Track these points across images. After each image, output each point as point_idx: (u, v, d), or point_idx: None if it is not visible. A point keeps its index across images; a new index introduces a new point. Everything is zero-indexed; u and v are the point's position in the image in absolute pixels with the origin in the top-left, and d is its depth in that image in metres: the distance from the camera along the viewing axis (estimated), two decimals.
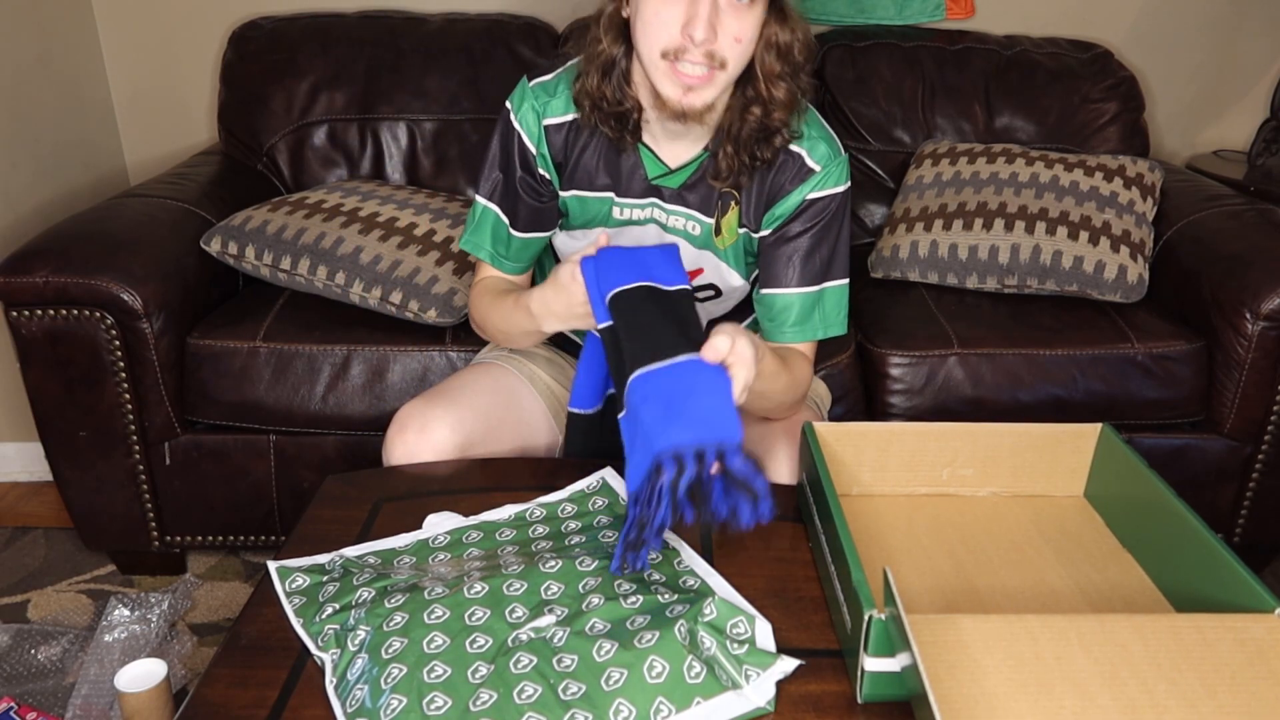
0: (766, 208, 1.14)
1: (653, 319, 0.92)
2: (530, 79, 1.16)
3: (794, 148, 1.12)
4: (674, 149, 1.13)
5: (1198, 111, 2.24)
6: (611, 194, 1.16)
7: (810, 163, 1.12)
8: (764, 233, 1.15)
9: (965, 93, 2.03)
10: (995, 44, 2.08)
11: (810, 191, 1.12)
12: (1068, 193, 1.76)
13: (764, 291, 1.17)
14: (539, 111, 1.14)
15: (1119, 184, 1.78)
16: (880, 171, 2.06)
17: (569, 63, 1.15)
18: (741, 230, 1.16)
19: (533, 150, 1.15)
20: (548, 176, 1.17)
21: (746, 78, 1.06)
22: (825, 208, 1.13)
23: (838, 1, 2.14)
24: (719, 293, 1.24)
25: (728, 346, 0.89)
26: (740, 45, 1.01)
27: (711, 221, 1.15)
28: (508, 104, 1.16)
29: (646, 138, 1.12)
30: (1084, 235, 1.69)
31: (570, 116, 1.14)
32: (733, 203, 1.14)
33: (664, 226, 1.18)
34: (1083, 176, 1.78)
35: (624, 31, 1.06)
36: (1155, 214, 1.79)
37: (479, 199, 1.21)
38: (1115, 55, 2.08)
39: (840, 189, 1.14)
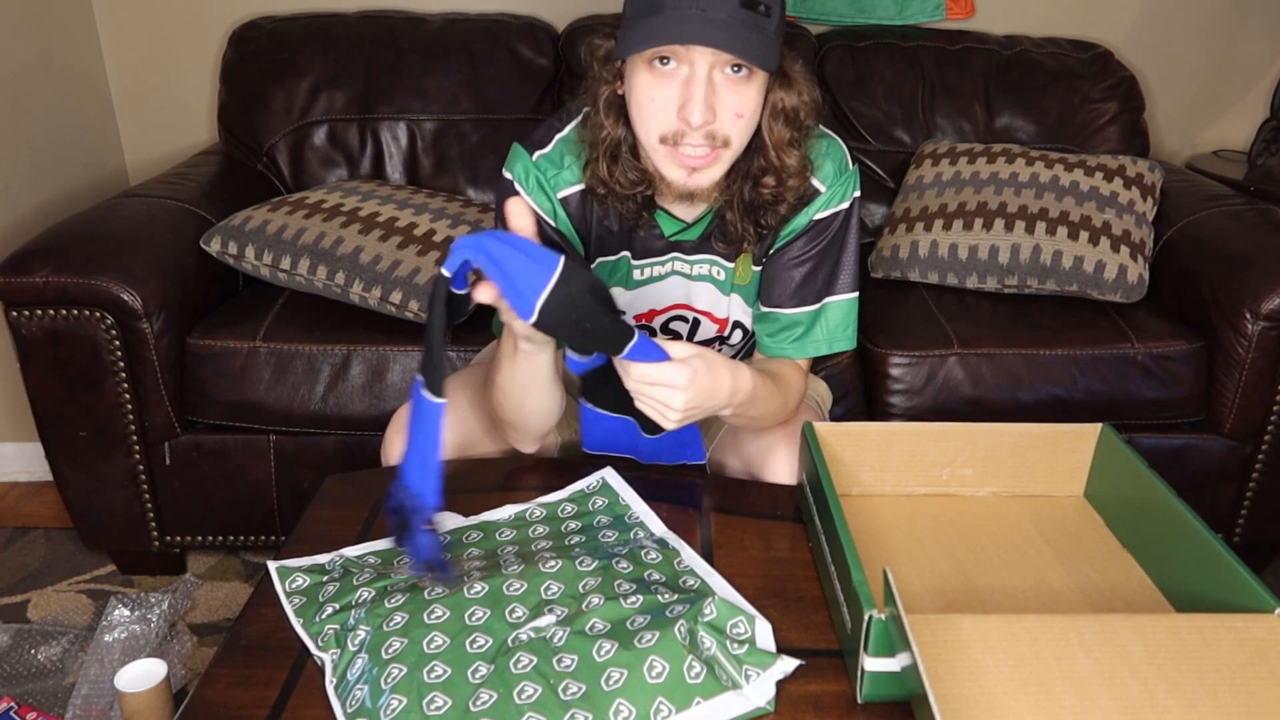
0: (775, 234, 1.11)
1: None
2: (530, 151, 1.08)
3: None
4: (688, 206, 1.08)
5: (1198, 111, 2.24)
6: (628, 254, 1.13)
7: (815, 183, 1.08)
8: (770, 252, 1.13)
9: (965, 93, 2.03)
10: (995, 44, 2.08)
11: (817, 212, 1.09)
12: (1068, 193, 1.76)
13: (764, 309, 1.15)
14: (550, 187, 1.08)
15: (1119, 184, 1.78)
16: (880, 171, 2.06)
17: (565, 128, 1.08)
18: (756, 269, 1.14)
19: (550, 223, 1.09)
20: (570, 243, 1.11)
21: (755, 146, 1.01)
22: (829, 225, 1.10)
23: (838, 1, 2.14)
24: (747, 332, 1.21)
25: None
26: (743, 120, 0.95)
27: (733, 266, 1.13)
28: (509, 176, 1.09)
29: (659, 200, 1.07)
30: (1084, 235, 1.69)
31: (581, 186, 1.08)
32: (745, 245, 1.10)
33: (688, 276, 1.14)
34: (1083, 176, 1.78)
35: (624, 110, 1.00)
36: (1155, 214, 1.79)
37: None
38: (1115, 55, 2.08)
39: (845, 205, 1.10)
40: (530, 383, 1.02)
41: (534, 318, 0.84)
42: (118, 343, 1.53)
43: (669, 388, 0.89)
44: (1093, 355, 1.58)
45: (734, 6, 0.89)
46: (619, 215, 1.08)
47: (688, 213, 1.09)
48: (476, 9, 2.12)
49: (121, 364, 1.54)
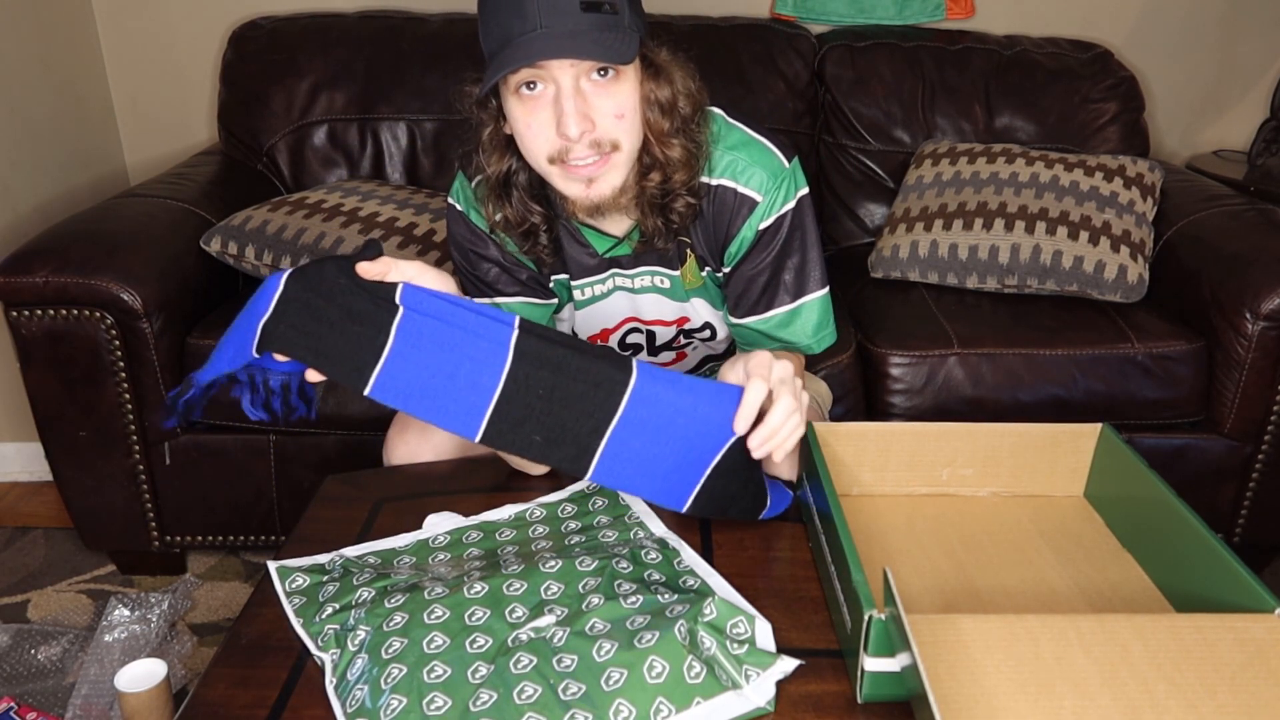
0: (722, 247, 1.09)
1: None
2: (470, 177, 1.08)
3: (730, 184, 1.05)
4: (615, 220, 1.07)
5: (1198, 111, 2.24)
6: (567, 276, 1.13)
7: (751, 194, 1.05)
8: (726, 269, 1.11)
9: (965, 93, 2.03)
10: (995, 44, 2.08)
11: (760, 222, 1.06)
12: (1068, 193, 1.76)
13: (735, 321, 1.13)
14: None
15: (1119, 184, 1.78)
16: (880, 171, 2.06)
17: None
18: (704, 273, 1.12)
19: (498, 240, 1.10)
20: (522, 262, 1.12)
21: (642, 143, 0.99)
22: (778, 230, 1.06)
23: (838, 1, 2.14)
24: (714, 333, 1.21)
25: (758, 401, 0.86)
26: (624, 120, 0.94)
27: (677, 273, 1.11)
28: (454, 203, 1.10)
29: (582, 218, 1.05)
30: (1084, 235, 1.69)
31: None
32: (688, 250, 1.09)
33: (632, 290, 1.14)
34: (1083, 176, 1.78)
35: (511, 144, 0.99)
36: (1155, 214, 1.79)
37: None
38: (1115, 55, 2.08)
39: (790, 205, 1.06)
40: None
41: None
42: (118, 343, 1.53)
43: (781, 399, 0.87)
44: (1093, 355, 1.58)
45: (577, 14, 0.87)
46: (533, 259, 1.08)
47: (615, 226, 1.08)
48: (476, 9, 2.12)
49: (121, 364, 1.54)
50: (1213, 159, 2.20)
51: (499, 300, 1.12)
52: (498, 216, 1.04)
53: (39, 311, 1.51)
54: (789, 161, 1.06)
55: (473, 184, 1.08)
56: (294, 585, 0.90)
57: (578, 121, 0.91)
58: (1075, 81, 2.02)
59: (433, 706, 0.74)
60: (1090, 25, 2.16)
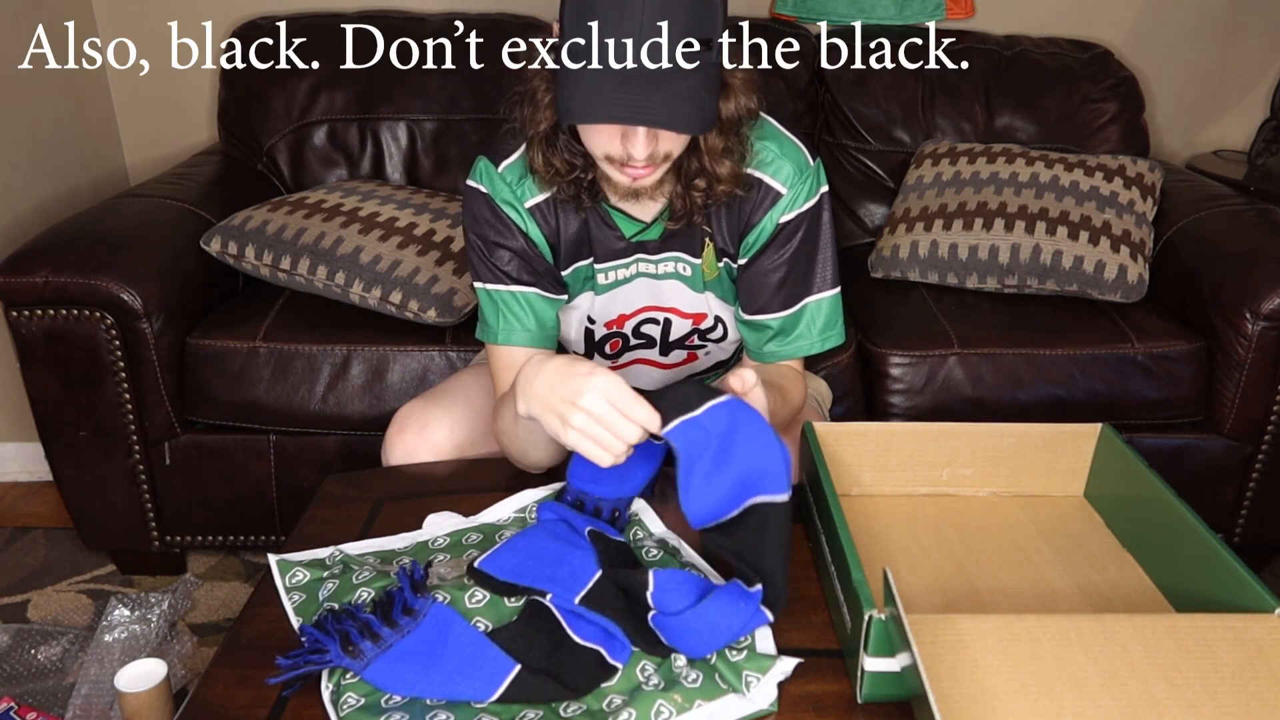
0: (740, 237, 1.10)
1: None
2: (495, 162, 1.07)
3: (756, 173, 1.06)
4: (645, 204, 1.07)
5: (1198, 111, 2.24)
6: (591, 260, 1.12)
7: (776, 185, 1.06)
8: (741, 260, 1.12)
9: (965, 93, 2.03)
10: (995, 44, 2.08)
11: (781, 215, 1.07)
12: (1068, 193, 1.76)
13: (746, 316, 1.13)
14: (517, 198, 1.08)
15: (1119, 184, 1.78)
16: (880, 171, 2.06)
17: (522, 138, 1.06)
18: (721, 264, 1.12)
19: (522, 228, 1.09)
20: (541, 253, 1.11)
21: (693, 146, 0.99)
22: (798, 226, 1.08)
23: (838, 1, 2.14)
24: (726, 332, 1.20)
25: (753, 382, 0.89)
26: (682, 138, 0.95)
27: (699, 261, 1.12)
28: (477, 186, 1.09)
29: (609, 194, 1.05)
30: (1084, 235, 1.69)
31: (546, 195, 1.07)
32: (706, 239, 1.10)
33: (654, 276, 1.13)
34: (1083, 176, 1.78)
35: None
36: (1155, 214, 1.79)
37: (479, 287, 1.12)
38: (1115, 55, 2.08)
39: (811, 203, 1.08)
40: (532, 439, 1.01)
41: None
42: (118, 343, 1.53)
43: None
44: (1093, 355, 1.58)
45: (677, 50, 0.86)
46: (579, 220, 1.08)
47: (644, 211, 1.08)
48: (476, 9, 2.12)
49: (121, 364, 1.54)
50: (1213, 159, 2.20)
51: (512, 289, 1.10)
52: (549, 166, 1.02)
53: (39, 311, 1.51)
54: (814, 160, 1.09)
55: (517, 153, 1.06)
56: (294, 580, 0.90)
57: (646, 145, 0.92)
58: (1075, 81, 2.02)
59: None
60: (1090, 25, 2.16)
